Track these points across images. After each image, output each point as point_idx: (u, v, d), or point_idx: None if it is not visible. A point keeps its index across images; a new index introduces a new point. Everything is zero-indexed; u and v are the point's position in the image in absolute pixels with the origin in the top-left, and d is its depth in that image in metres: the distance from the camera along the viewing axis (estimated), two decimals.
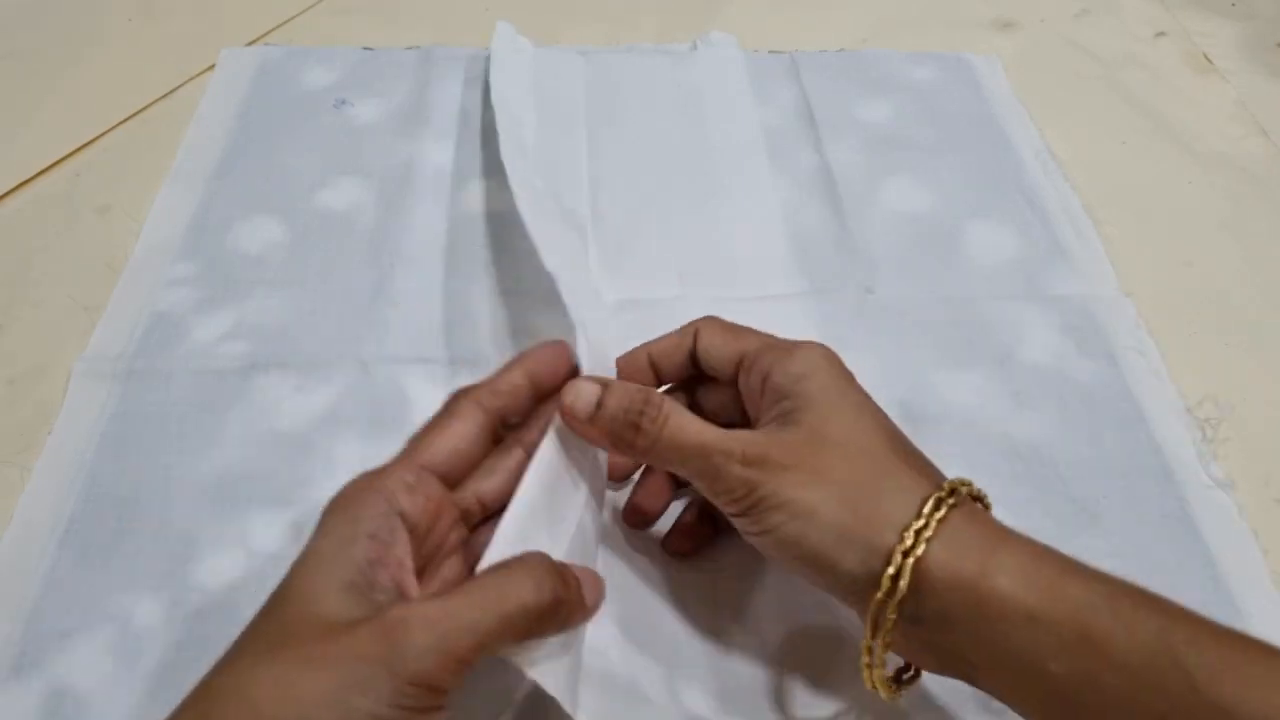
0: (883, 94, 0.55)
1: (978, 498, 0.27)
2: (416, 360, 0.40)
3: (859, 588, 0.25)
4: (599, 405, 0.27)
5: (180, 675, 0.31)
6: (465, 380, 0.39)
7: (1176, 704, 0.21)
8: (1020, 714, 0.24)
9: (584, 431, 0.28)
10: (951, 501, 0.25)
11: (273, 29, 0.60)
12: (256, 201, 0.47)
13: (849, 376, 0.29)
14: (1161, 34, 0.62)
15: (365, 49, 0.57)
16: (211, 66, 0.56)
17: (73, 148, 0.51)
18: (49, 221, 0.47)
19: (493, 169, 0.49)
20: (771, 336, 0.31)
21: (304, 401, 0.39)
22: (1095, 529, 0.35)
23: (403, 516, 0.24)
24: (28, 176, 0.49)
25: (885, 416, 0.28)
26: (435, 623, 0.21)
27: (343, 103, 0.53)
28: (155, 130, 0.52)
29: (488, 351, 0.40)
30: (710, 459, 0.26)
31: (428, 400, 0.38)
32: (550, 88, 0.53)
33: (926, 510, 0.24)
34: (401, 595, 0.23)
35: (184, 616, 0.32)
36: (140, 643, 0.32)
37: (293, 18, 0.61)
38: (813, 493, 0.25)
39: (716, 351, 0.31)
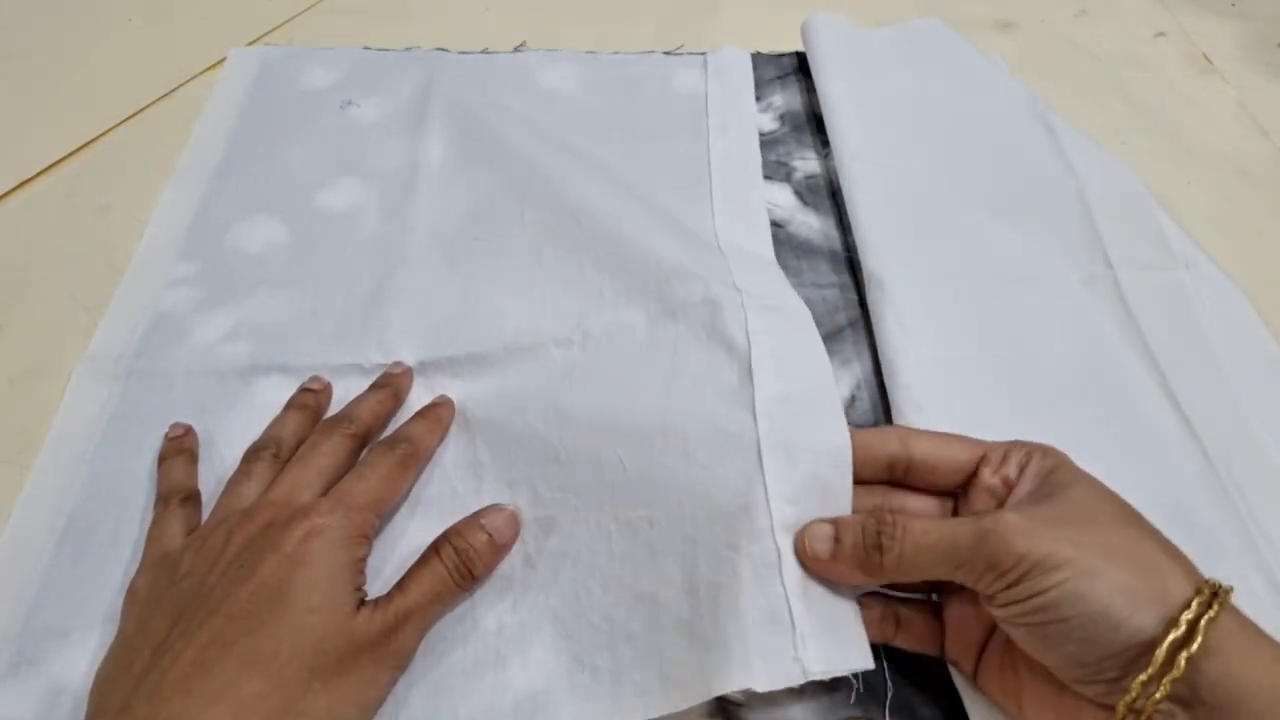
0: None
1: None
2: (417, 361, 0.40)
3: (1138, 650, 0.24)
4: (836, 541, 0.29)
5: None
6: (465, 379, 0.40)
7: None
8: None
9: (829, 570, 0.29)
10: (1228, 587, 0.25)
11: (273, 29, 0.60)
12: (258, 201, 0.47)
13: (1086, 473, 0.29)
14: (1161, 34, 0.62)
15: (366, 49, 0.57)
16: (212, 66, 0.56)
17: (73, 147, 0.51)
18: (49, 221, 0.47)
19: (493, 168, 0.49)
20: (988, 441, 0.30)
21: None
22: None
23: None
24: (28, 176, 0.49)
25: (1133, 507, 0.28)
26: (409, 618, 0.30)
27: (349, 103, 0.53)
28: (155, 130, 0.52)
29: (488, 352, 0.40)
30: (961, 542, 0.26)
31: (427, 400, 0.38)
32: None
33: (1210, 587, 0.24)
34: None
35: None
36: None
37: (293, 18, 0.61)
38: (1094, 554, 0.25)
39: (950, 449, 0.30)
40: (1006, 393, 0.39)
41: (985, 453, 0.30)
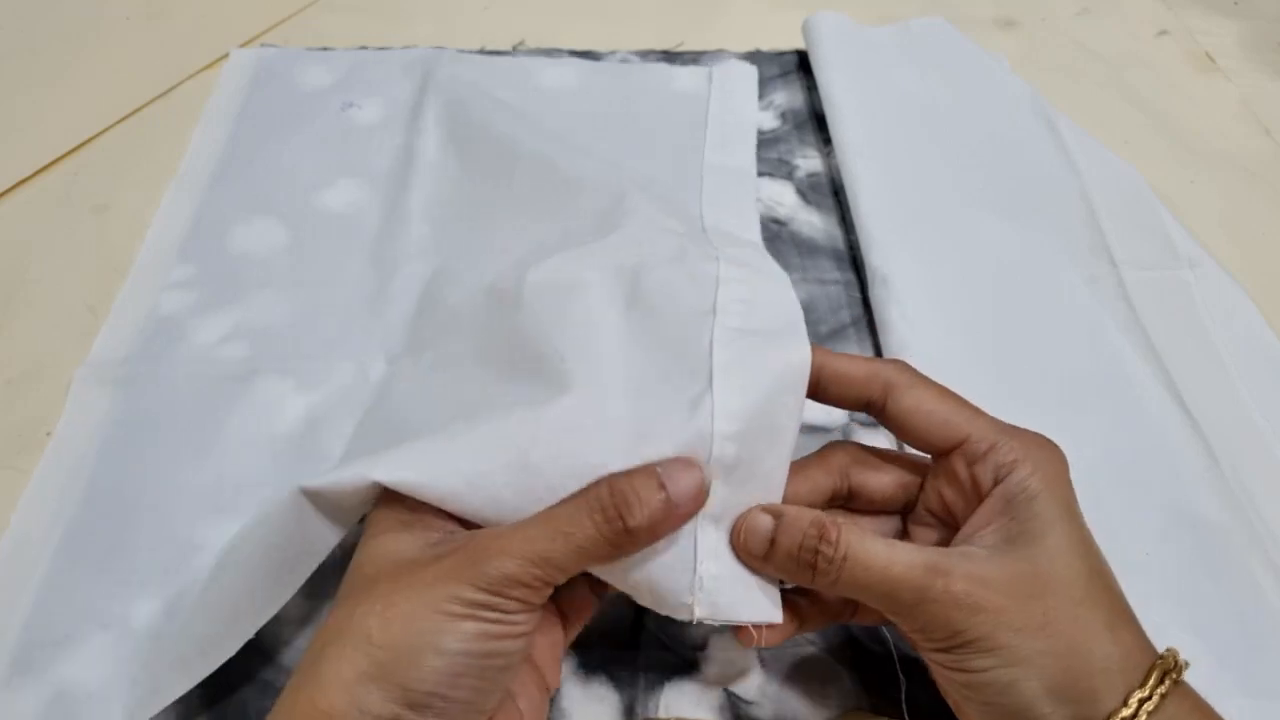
0: None
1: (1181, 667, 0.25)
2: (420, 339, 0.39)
3: None
4: (772, 543, 0.26)
5: (179, 678, 0.31)
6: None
7: None
8: None
9: (761, 569, 0.26)
10: (1174, 677, 0.24)
11: (271, 27, 0.59)
12: (257, 203, 0.47)
13: (1073, 494, 0.26)
14: (1164, 33, 0.61)
15: (364, 48, 0.56)
16: (210, 65, 0.55)
17: (70, 147, 0.51)
18: (47, 221, 0.47)
19: (491, 167, 0.49)
20: (992, 418, 0.27)
21: (304, 403, 0.38)
22: None
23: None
24: (26, 175, 0.49)
25: (1100, 553, 0.26)
26: (513, 551, 0.23)
27: (350, 105, 0.52)
28: (152, 129, 0.52)
29: (488, 353, 0.40)
30: (900, 596, 0.24)
31: (430, 371, 0.38)
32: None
33: (1150, 683, 0.23)
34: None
35: (183, 620, 0.32)
36: (139, 646, 0.31)
37: (290, 16, 0.60)
38: (1031, 642, 0.23)
39: (930, 421, 0.27)
40: (1010, 391, 0.38)
41: (967, 437, 0.27)
